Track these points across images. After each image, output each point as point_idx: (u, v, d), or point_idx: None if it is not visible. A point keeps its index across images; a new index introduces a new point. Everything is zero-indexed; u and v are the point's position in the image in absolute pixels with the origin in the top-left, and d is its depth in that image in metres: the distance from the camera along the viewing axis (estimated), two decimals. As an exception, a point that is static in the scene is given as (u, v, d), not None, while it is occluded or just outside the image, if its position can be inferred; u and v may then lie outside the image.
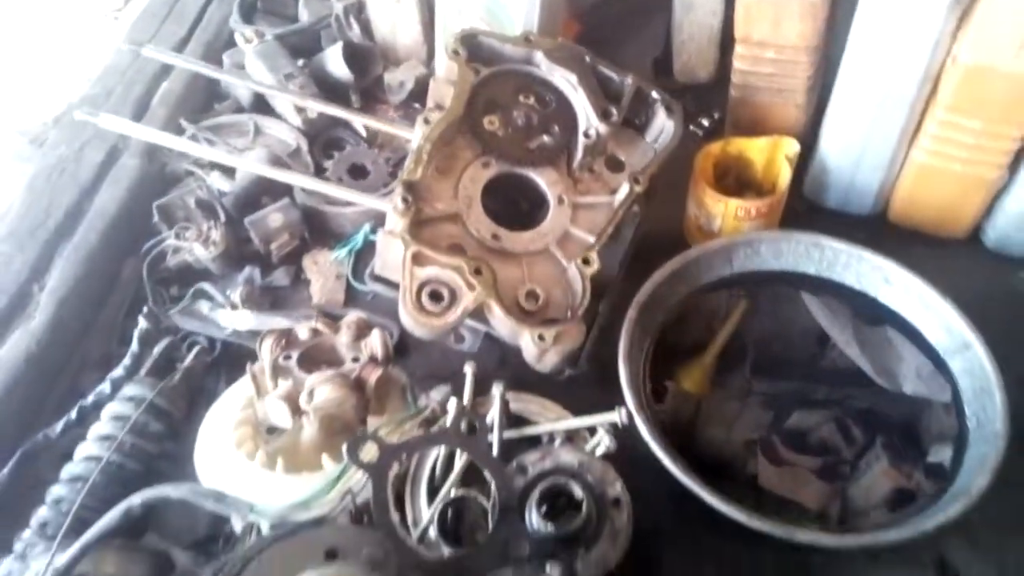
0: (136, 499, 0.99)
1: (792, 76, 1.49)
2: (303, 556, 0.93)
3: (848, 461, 1.25)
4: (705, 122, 1.73)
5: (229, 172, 1.62)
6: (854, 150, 1.45)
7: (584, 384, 1.28)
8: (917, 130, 1.38)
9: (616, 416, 1.14)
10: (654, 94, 1.40)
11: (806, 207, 1.57)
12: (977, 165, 1.36)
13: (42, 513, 1.14)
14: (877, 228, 1.52)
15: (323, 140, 1.73)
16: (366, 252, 1.53)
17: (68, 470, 1.19)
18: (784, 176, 1.44)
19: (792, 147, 1.45)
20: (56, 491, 1.16)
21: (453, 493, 1.09)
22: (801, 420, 1.29)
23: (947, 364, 1.22)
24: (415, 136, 1.28)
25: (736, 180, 1.53)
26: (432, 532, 1.07)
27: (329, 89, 1.74)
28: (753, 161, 1.51)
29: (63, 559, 0.96)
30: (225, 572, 0.91)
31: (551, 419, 1.20)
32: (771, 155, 1.48)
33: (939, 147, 1.36)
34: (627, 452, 1.16)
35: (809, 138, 1.54)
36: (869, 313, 1.32)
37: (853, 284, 1.32)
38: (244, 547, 0.94)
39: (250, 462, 1.12)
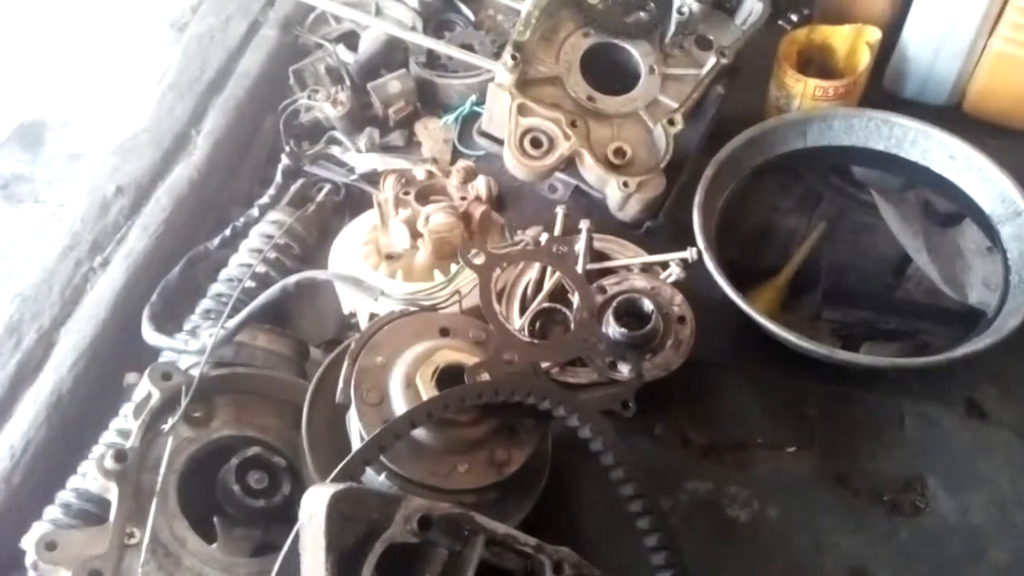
0: (291, 279, 1.22)
1: (881, -35, 1.57)
2: (421, 331, 1.15)
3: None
4: (794, 17, 1.81)
5: (352, 46, 1.82)
6: (935, 38, 1.53)
7: (660, 239, 1.45)
8: (997, 19, 1.46)
9: (687, 253, 1.30)
10: (746, -24, 1.51)
11: (884, 98, 1.66)
12: (1053, 54, 1.43)
13: (205, 303, 1.40)
14: (951, 118, 1.58)
15: (436, 22, 1.90)
16: (470, 120, 1.71)
17: (225, 273, 1.44)
18: (864, 59, 1.53)
19: (874, 34, 1.54)
20: (216, 287, 1.41)
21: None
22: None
23: (998, 231, 1.33)
24: (525, 4, 1.44)
25: (818, 70, 1.62)
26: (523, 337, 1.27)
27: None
28: (836, 49, 1.60)
29: (231, 324, 1.20)
30: (359, 340, 1.14)
31: (629, 256, 1.37)
32: (853, 44, 1.57)
33: (1018, 35, 1.44)
34: (694, 294, 1.33)
35: (893, 31, 1.62)
36: (930, 186, 1.43)
37: (918, 160, 1.43)
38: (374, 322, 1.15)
39: (374, 272, 1.34)
